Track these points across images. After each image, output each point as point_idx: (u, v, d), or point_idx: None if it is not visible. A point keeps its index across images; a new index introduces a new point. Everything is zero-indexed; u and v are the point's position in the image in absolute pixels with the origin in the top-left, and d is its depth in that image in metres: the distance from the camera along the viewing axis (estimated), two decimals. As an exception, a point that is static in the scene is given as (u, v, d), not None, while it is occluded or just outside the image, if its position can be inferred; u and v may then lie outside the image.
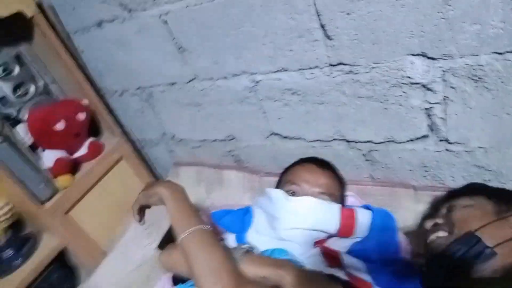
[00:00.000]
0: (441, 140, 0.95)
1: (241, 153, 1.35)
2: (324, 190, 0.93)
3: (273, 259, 0.79)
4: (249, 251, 0.80)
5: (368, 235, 0.89)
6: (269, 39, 0.97)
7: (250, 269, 0.73)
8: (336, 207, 0.89)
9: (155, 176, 1.68)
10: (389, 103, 0.93)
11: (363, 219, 0.91)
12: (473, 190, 0.87)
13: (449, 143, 0.94)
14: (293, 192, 0.94)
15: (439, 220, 0.81)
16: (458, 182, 0.99)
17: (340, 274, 0.78)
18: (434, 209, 0.91)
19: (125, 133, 1.53)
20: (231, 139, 1.33)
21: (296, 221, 0.86)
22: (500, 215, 0.77)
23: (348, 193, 1.10)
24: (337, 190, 0.98)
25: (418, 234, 0.92)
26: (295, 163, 1.07)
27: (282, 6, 0.90)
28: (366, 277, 0.81)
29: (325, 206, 0.88)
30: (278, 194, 0.92)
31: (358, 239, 0.89)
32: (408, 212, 1.08)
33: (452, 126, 0.90)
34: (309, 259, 0.83)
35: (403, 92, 0.90)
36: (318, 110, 1.05)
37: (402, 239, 1.01)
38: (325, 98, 1.02)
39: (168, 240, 1.39)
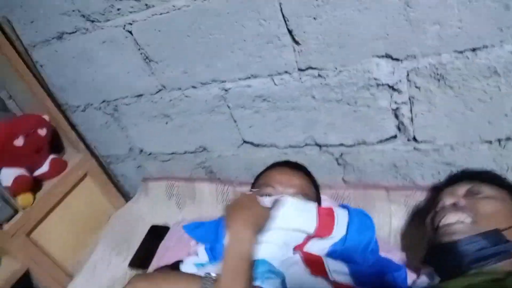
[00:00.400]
0: (409, 140, 0.97)
1: (213, 164, 1.32)
2: (298, 190, 0.93)
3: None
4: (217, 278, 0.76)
5: (346, 235, 0.88)
6: (238, 46, 0.97)
7: None
8: (312, 205, 0.88)
9: (122, 194, 1.61)
10: (358, 105, 0.95)
11: (342, 217, 0.91)
12: (495, 180, 0.85)
13: (417, 142, 0.96)
14: (268, 195, 0.93)
15: (461, 202, 0.76)
16: (428, 180, 1.02)
17: (326, 287, 0.77)
18: (451, 184, 0.85)
19: (90, 149, 1.47)
20: (202, 150, 1.30)
21: (273, 222, 0.84)
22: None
23: (322, 197, 1.10)
24: (311, 190, 0.98)
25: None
26: (268, 167, 1.07)
27: (249, 13, 0.90)
28: (350, 281, 0.80)
29: (302, 204, 0.87)
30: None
31: (337, 240, 0.88)
32: (381, 213, 1.10)
33: (419, 125, 0.93)
34: (291, 268, 0.81)
35: (371, 94, 0.92)
36: (289, 116, 1.06)
37: (379, 238, 1.02)
38: (295, 104, 1.02)
39: (141, 257, 1.34)
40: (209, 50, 1.01)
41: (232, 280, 0.70)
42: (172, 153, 1.37)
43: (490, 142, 0.90)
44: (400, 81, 0.87)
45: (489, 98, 0.82)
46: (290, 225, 0.85)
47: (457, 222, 0.73)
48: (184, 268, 0.90)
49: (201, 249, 0.97)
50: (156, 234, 1.39)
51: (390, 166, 1.04)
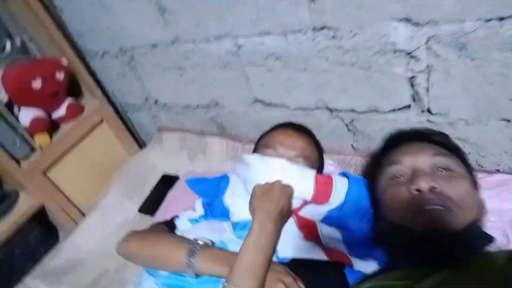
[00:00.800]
0: (423, 111, 0.93)
1: (224, 119, 1.33)
2: (299, 153, 0.92)
3: (226, 255, 0.76)
4: (204, 246, 0.78)
5: (345, 203, 0.88)
6: (252, 1, 0.93)
7: (203, 267, 0.75)
8: (310, 172, 0.88)
9: (137, 142, 1.66)
10: (372, 71, 0.91)
11: (341, 186, 0.90)
12: (449, 146, 0.81)
13: (431, 113, 0.92)
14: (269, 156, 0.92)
15: (435, 184, 0.69)
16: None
17: (318, 251, 0.78)
18: (406, 148, 0.79)
19: (107, 96, 1.50)
20: (215, 105, 1.30)
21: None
22: (476, 189, 0.77)
23: (328, 162, 1.10)
24: (313, 154, 0.97)
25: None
26: (271, 128, 1.05)
27: (265, -36, 0.86)
28: (343, 248, 0.81)
29: (299, 169, 0.87)
30: (253, 158, 0.91)
31: (333, 207, 0.88)
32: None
33: (435, 96, 0.88)
34: (284, 231, 0.81)
35: (387, 60, 0.87)
36: (300, 77, 1.03)
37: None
38: (307, 65, 0.99)
39: (150, 204, 1.40)
40: (223, 3, 0.97)
41: (246, 270, 0.69)
42: (186, 106, 1.38)
43: (508, 120, 0.85)
44: (418, 48, 0.82)
45: (510, 72, 0.76)
46: None
47: (442, 213, 0.66)
48: (178, 223, 0.93)
49: (199, 203, 1.00)
50: (167, 182, 1.44)
51: (401, 136, 1.01)
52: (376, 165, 0.88)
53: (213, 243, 0.81)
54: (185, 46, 1.16)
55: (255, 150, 1.03)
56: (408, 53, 0.84)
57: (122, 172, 1.48)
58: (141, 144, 1.67)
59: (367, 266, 0.80)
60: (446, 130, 0.93)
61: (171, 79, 1.30)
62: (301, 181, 0.85)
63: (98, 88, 1.43)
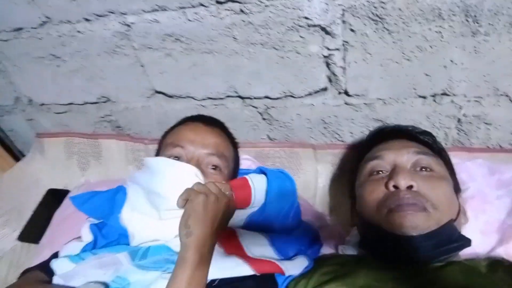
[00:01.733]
0: (340, 93, 0.87)
1: (119, 117, 1.12)
2: (213, 151, 0.78)
3: None
4: None
5: (266, 202, 0.77)
6: (139, -33, 0.76)
7: None
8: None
9: (11, 153, 1.34)
10: (286, 50, 0.81)
11: (259, 184, 0.78)
12: (434, 147, 0.77)
13: (348, 95, 0.86)
14: (177, 157, 0.77)
15: (414, 182, 0.65)
16: (357, 137, 0.94)
17: (242, 267, 0.66)
18: (389, 145, 0.75)
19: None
20: (106, 101, 1.09)
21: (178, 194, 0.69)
22: (457, 194, 0.73)
23: (244, 156, 0.98)
24: (227, 150, 0.83)
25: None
26: (177, 123, 0.89)
27: None
28: (272, 253, 0.70)
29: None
30: (159, 161, 0.74)
31: (255, 209, 0.76)
32: (307, 173, 1.01)
33: (352, 76, 0.82)
34: None
35: (301, 36, 0.78)
36: (206, 61, 0.89)
37: (302, 201, 0.93)
38: (213, 46, 0.85)
39: (32, 228, 1.13)
40: (101, -30, 0.78)
41: None
42: (69, 104, 1.13)
43: (425, 97, 0.82)
44: (334, 22, 0.74)
45: (429, 46, 0.73)
46: None
47: (416, 212, 0.62)
48: (56, 265, 0.71)
49: (85, 228, 0.79)
50: (54, 199, 1.19)
51: (318, 122, 0.94)
52: (357, 160, 0.82)
53: (107, 286, 0.63)
54: (60, 28, 0.93)
55: (158, 152, 0.86)
56: (323, 28, 0.76)
57: (-8, 192, 1.17)
58: (17, 156, 1.36)
59: (300, 266, 0.71)
60: (364, 112, 0.88)
61: (46, 72, 1.05)
62: None
63: None
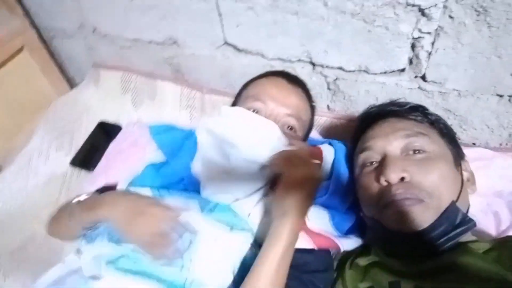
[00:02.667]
0: (416, 77, 0.86)
1: (182, 62, 1.13)
2: (292, 112, 0.77)
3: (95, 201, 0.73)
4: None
5: (331, 178, 0.77)
6: None
7: (83, 216, 0.72)
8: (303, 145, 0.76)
9: (66, 77, 1.37)
10: (375, 24, 0.80)
11: (328, 158, 0.80)
12: (426, 120, 0.73)
13: (425, 81, 0.86)
14: (256, 111, 0.76)
15: (405, 174, 0.63)
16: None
17: (304, 239, 0.68)
18: (384, 145, 0.70)
19: (30, 16, 1.17)
20: (173, 43, 1.09)
21: (255, 152, 0.69)
22: (458, 167, 0.69)
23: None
24: (306, 113, 0.83)
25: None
26: (261, 75, 0.87)
27: None
28: (331, 229, 0.73)
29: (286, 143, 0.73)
30: (239, 112, 0.74)
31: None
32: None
33: (435, 62, 0.81)
34: (264, 215, 0.70)
35: (395, 13, 0.77)
36: (289, 21, 0.88)
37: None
38: (300, 7, 0.84)
39: (85, 156, 1.18)
40: None
41: (276, 271, 0.58)
42: (135, 40, 1.14)
43: (501, 96, 0.82)
44: (435, 5, 0.73)
45: (525, 46, 0.72)
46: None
47: (412, 204, 0.60)
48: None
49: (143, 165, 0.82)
50: (105, 132, 1.23)
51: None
52: (352, 148, 0.80)
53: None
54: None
55: (235, 103, 0.87)
56: (421, 10, 0.74)
57: (48, 114, 1.21)
58: (71, 82, 1.38)
59: (355, 244, 0.74)
60: (436, 100, 0.88)
61: (118, 2, 1.05)
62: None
63: (19, 3, 1.10)
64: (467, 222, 0.62)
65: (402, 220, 0.61)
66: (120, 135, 1.15)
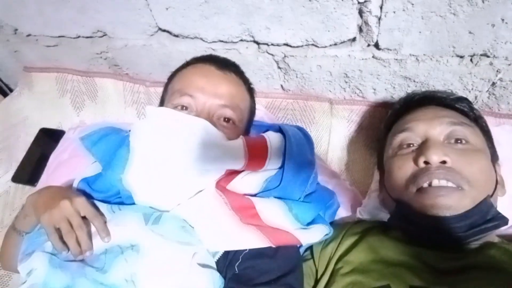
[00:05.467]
0: (369, 45, 0.78)
1: (117, 55, 1.02)
2: (226, 102, 0.69)
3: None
4: None
5: (284, 166, 0.70)
6: None
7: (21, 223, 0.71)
8: (237, 142, 0.67)
9: (-3, 86, 1.24)
10: (316, -7, 0.71)
11: (275, 147, 0.71)
12: (470, 114, 0.69)
13: (378, 48, 0.78)
14: (185, 107, 0.68)
15: (447, 158, 0.60)
16: (380, 95, 0.88)
17: (259, 240, 0.63)
18: (419, 114, 0.68)
19: None
20: (102, 36, 0.97)
21: (188, 156, 0.62)
22: (495, 163, 0.67)
23: (256, 106, 0.90)
24: (243, 101, 0.74)
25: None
26: (186, 64, 0.77)
27: None
28: (288, 221, 0.66)
29: (225, 144, 0.65)
30: (164, 114, 0.65)
31: (272, 173, 0.70)
32: (320, 127, 0.96)
33: (386, 28, 0.73)
34: (214, 217, 0.63)
35: (335, -23, 0.68)
36: (221, -2, 0.77)
37: (316, 158, 0.88)
38: (231, -19, 0.74)
39: (27, 169, 1.07)
40: None
41: None
42: (60, 37, 1.01)
43: (462, 57, 0.75)
44: (377, -38, 0.63)
45: (481, 0, 0.63)
46: (210, 164, 0.64)
47: (449, 193, 0.58)
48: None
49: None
50: (47, 139, 1.12)
51: (340, 76, 0.86)
52: (387, 130, 0.75)
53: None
54: None
55: (164, 97, 0.77)
56: (363, -30, 0.65)
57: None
58: (4, 91, 1.25)
59: (319, 235, 0.69)
60: (392, 68, 0.81)
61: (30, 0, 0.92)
62: (227, 153, 0.65)
63: None
64: (500, 219, 0.59)
65: (437, 204, 0.58)
66: (60, 145, 1.06)
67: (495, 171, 0.66)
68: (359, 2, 0.70)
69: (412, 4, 0.68)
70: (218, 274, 0.62)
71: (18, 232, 0.71)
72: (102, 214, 0.65)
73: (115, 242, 0.62)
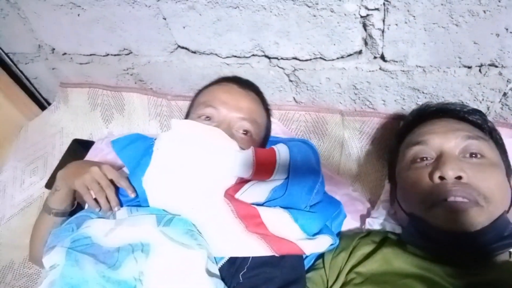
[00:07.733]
0: (375, 57, 0.80)
1: (141, 71, 1.09)
2: (245, 115, 0.76)
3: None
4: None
5: (289, 177, 0.72)
6: None
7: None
8: (248, 151, 0.71)
9: (37, 101, 1.35)
10: (319, 8, 0.74)
11: (283, 158, 0.73)
12: (485, 127, 0.68)
13: (385, 60, 0.79)
14: (208, 117, 0.76)
15: (463, 173, 0.59)
16: (390, 106, 0.88)
17: (262, 246, 0.65)
18: (442, 142, 0.65)
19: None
20: (128, 54, 1.05)
21: (201, 162, 0.68)
22: (510, 177, 0.66)
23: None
24: (260, 117, 0.81)
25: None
26: (212, 82, 0.86)
27: None
28: (293, 231, 0.68)
29: (236, 152, 0.70)
30: (187, 125, 0.72)
31: (278, 183, 0.73)
32: (333, 139, 0.97)
33: (390, 40, 0.74)
34: (220, 224, 0.66)
35: (337, -7, 0.70)
36: (231, 16, 0.82)
37: (325, 168, 0.89)
38: (240, 0, 0.78)
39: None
40: None
41: None
42: (92, 55, 1.11)
43: (470, 67, 0.74)
44: (376, -22, 0.66)
45: (482, 10, 0.64)
46: (222, 171, 0.69)
47: (466, 209, 0.56)
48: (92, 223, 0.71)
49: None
50: (80, 149, 1.21)
51: (349, 87, 0.88)
52: (399, 142, 0.75)
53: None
54: (78, -26, 0.88)
55: (190, 110, 0.85)
56: (363, -15, 0.68)
57: (19, 141, 1.20)
58: (42, 104, 1.37)
59: (324, 245, 0.70)
60: (400, 79, 0.81)
61: (66, 20, 1.01)
62: (238, 162, 0.69)
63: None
64: None
65: (454, 220, 0.57)
66: (89, 154, 1.13)
67: (510, 186, 0.64)
68: (361, 16, 0.73)
69: (414, 17, 0.69)
70: (222, 284, 0.64)
71: (47, 209, 0.78)
72: (126, 176, 0.75)
73: (127, 241, 0.66)
